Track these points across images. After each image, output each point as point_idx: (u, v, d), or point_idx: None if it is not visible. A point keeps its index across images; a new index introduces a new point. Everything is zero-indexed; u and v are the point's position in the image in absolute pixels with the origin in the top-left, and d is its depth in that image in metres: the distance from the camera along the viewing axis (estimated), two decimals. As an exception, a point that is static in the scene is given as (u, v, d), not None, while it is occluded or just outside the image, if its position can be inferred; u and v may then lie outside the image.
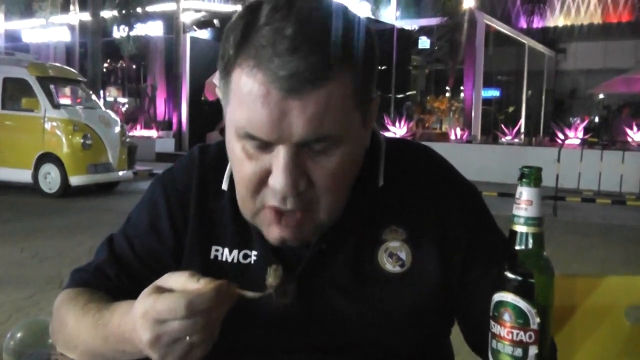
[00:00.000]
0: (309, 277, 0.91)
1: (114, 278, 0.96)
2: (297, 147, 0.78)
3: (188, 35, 17.87)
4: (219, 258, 0.95)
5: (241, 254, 0.94)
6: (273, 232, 0.85)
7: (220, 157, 0.98)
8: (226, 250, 0.95)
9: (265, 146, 0.79)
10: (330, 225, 0.88)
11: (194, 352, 0.73)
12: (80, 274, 0.99)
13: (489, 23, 17.13)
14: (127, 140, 10.95)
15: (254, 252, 0.93)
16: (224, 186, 0.95)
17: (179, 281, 0.74)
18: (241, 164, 0.82)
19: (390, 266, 0.91)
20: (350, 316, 0.91)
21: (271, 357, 0.93)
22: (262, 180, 0.81)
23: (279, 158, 0.78)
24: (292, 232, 0.84)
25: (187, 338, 0.72)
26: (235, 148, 0.82)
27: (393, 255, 0.92)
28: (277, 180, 0.79)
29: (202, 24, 18.39)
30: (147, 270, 0.94)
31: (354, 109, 0.81)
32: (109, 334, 0.83)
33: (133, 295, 0.87)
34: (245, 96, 0.77)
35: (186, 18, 17.88)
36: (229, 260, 0.94)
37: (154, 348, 0.72)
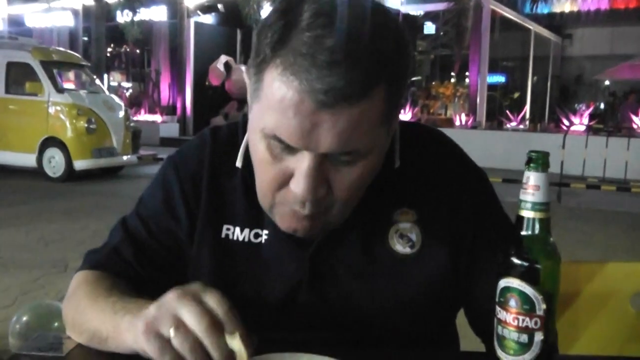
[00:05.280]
0: (321, 257, 0.92)
1: (131, 258, 0.96)
2: (322, 156, 0.78)
3: (192, 20, 17.79)
4: (230, 237, 0.95)
5: (252, 233, 0.95)
6: (287, 223, 0.86)
7: (231, 137, 0.99)
8: (237, 229, 0.95)
9: (291, 149, 0.79)
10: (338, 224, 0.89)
11: (161, 345, 0.71)
12: (95, 255, 0.99)
13: (494, 8, 16.99)
14: (132, 124, 10.94)
15: (265, 232, 0.95)
16: (238, 163, 0.96)
17: None
18: (264, 163, 0.82)
19: (400, 247, 0.93)
20: (360, 296, 0.92)
21: (282, 336, 0.94)
22: (283, 181, 0.82)
23: (303, 163, 0.78)
24: (303, 227, 0.85)
25: (171, 331, 0.70)
26: (259, 146, 0.82)
27: (403, 236, 0.93)
28: (299, 185, 0.79)
29: (206, 9, 18.28)
30: (164, 249, 0.95)
31: (382, 126, 0.80)
32: (126, 305, 0.82)
33: (150, 276, 0.88)
34: (278, 101, 0.75)
35: (190, 3, 17.79)
36: (240, 239, 0.95)
37: (163, 300, 0.73)
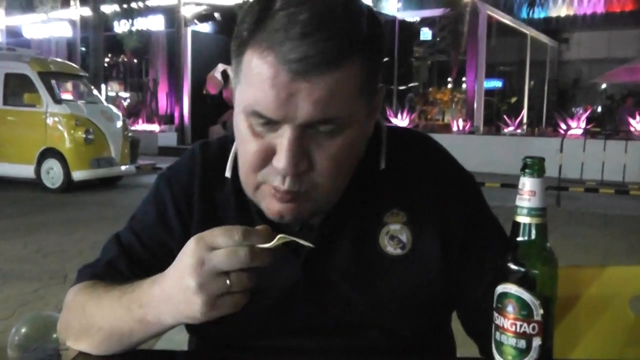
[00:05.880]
0: (313, 262, 0.93)
1: (126, 272, 0.96)
2: (302, 128, 0.79)
3: (189, 29, 17.83)
4: None
5: None
6: (272, 207, 0.86)
7: (221, 150, 1.01)
8: None
9: (271, 125, 0.80)
10: (327, 209, 0.90)
11: (228, 298, 0.75)
12: (90, 269, 1.00)
13: (491, 14, 17.05)
14: (130, 134, 10.95)
15: None
16: (227, 174, 0.97)
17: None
18: (246, 142, 0.84)
19: (391, 248, 0.93)
20: (353, 299, 0.92)
21: (275, 341, 0.94)
22: (265, 159, 0.83)
23: (283, 138, 0.79)
24: (289, 209, 0.85)
25: (227, 282, 0.75)
26: (241, 126, 0.84)
27: (394, 237, 0.94)
28: (280, 159, 0.80)
29: (203, 18, 18.33)
30: (158, 262, 0.95)
31: (360, 97, 0.82)
32: (135, 298, 0.84)
33: None
34: (255, 77, 0.78)
35: (187, 12, 17.83)
36: None
37: (195, 273, 0.74)
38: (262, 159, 0.83)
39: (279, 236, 0.76)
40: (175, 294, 0.77)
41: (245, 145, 0.84)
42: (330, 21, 0.77)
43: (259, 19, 0.78)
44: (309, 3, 0.77)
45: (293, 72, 0.75)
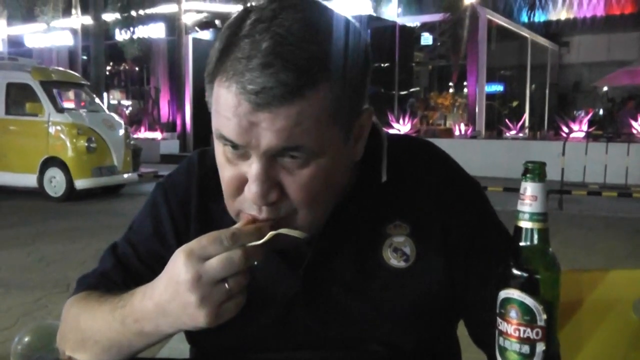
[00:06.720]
0: (313, 274, 0.91)
1: (121, 284, 0.96)
2: (270, 157, 0.78)
3: (190, 37, 17.88)
4: None
5: None
6: None
7: None
8: None
9: (241, 152, 0.79)
10: (315, 231, 0.87)
11: (230, 303, 0.76)
12: (87, 279, 1.00)
13: (491, 18, 17.07)
14: (132, 142, 10.97)
15: None
16: None
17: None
18: (222, 168, 0.84)
19: (394, 261, 0.91)
20: (354, 312, 0.91)
21: (275, 354, 0.94)
22: (240, 186, 0.82)
23: (252, 166, 0.79)
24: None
25: (226, 285, 0.75)
26: (218, 152, 0.84)
27: (398, 250, 0.92)
28: (250, 188, 0.79)
29: (203, 25, 18.39)
30: (154, 275, 0.93)
31: (332, 125, 0.79)
32: (128, 313, 0.83)
33: None
34: (222, 105, 0.78)
35: (188, 19, 17.88)
36: None
37: (195, 287, 0.75)
38: (236, 187, 0.82)
39: (270, 233, 0.77)
40: (175, 309, 0.77)
41: (222, 171, 0.84)
42: (292, 49, 0.74)
43: (226, 45, 0.78)
44: (273, 29, 0.75)
45: (252, 103, 0.74)
